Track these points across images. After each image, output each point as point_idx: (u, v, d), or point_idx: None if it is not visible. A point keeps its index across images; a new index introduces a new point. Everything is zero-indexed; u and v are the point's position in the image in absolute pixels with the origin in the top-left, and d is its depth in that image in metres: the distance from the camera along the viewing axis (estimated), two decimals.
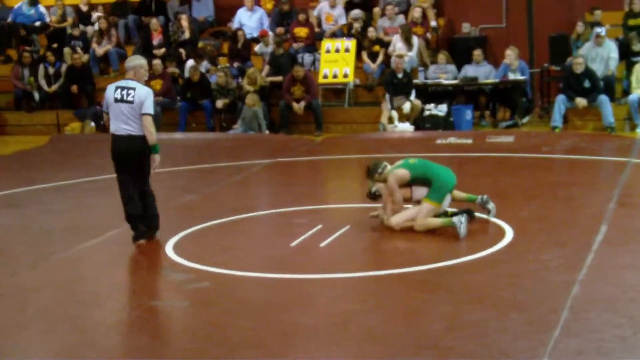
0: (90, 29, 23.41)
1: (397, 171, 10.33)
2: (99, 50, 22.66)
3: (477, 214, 10.40)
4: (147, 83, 20.09)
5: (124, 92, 10.13)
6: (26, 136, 20.87)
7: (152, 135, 10.11)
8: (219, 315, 7.67)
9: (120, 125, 10.13)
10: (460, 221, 9.77)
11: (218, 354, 6.74)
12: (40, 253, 10.08)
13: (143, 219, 10.39)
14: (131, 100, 10.07)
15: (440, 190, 10.12)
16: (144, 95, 10.10)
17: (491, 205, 10.47)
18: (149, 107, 10.11)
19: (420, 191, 10.28)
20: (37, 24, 24.08)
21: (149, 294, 8.40)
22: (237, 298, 8.18)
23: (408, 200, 10.36)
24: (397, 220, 10.19)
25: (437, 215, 10.17)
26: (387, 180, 10.30)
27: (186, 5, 23.64)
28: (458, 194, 10.55)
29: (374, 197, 10.61)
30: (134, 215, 10.35)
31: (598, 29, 18.66)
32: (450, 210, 10.37)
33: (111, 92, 10.22)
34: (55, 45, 23.15)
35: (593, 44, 18.58)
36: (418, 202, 10.27)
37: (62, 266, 9.63)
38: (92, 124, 20.85)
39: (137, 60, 10.41)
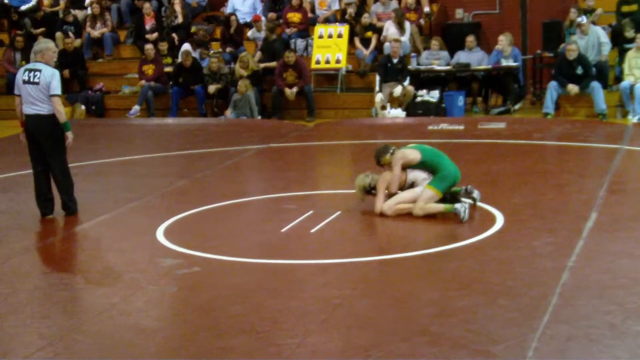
0: (81, 14, 23.34)
1: (407, 150, 10.32)
2: (95, 33, 22.60)
3: (469, 200, 10.43)
4: (140, 68, 20.39)
5: (31, 74, 10.75)
6: (17, 120, 20.74)
7: (61, 114, 10.74)
8: (209, 300, 7.67)
9: (29, 105, 10.78)
10: (464, 207, 9.78)
11: (208, 338, 6.74)
12: (31, 237, 10.09)
13: (48, 200, 11.03)
14: (37, 81, 10.68)
15: (444, 179, 10.11)
16: (49, 77, 10.67)
17: (476, 193, 10.45)
18: (56, 88, 10.68)
19: (414, 173, 10.25)
20: (23, 7, 23.94)
21: (139, 278, 8.39)
22: (227, 283, 8.18)
23: (402, 183, 10.31)
24: (389, 204, 10.18)
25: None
26: (394, 156, 10.29)
27: None
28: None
29: (370, 192, 10.56)
30: (38, 194, 11.02)
31: (579, 19, 18.68)
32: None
33: (20, 74, 10.88)
34: (41, 30, 23.04)
35: (578, 34, 18.57)
36: (411, 186, 10.25)
37: (53, 250, 9.65)
38: (83, 107, 20.81)
39: (44, 44, 11.02)
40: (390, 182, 10.23)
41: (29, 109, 10.81)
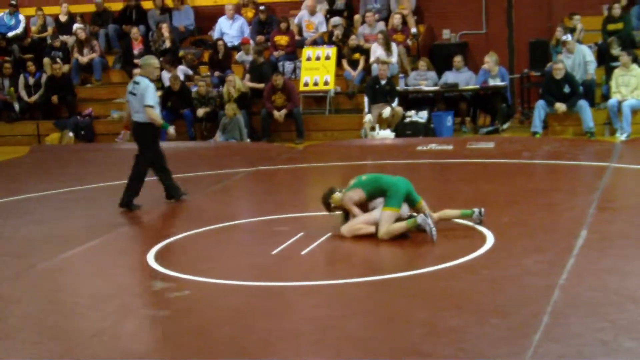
0: (70, 39, 23.36)
1: (350, 193, 10.40)
2: (83, 59, 22.63)
3: (460, 221, 10.49)
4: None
5: (132, 86, 12.52)
6: (6, 147, 20.80)
7: (156, 121, 12.38)
8: (201, 323, 7.65)
9: (132, 113, 12.58)
10: (426, 222, 9.77)
11: None
12: (22, 263, 10.03)
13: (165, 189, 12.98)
14: (135, 92, 12.37)
15: (396, 195, 10.10)
16: (144, 89, 12.25)
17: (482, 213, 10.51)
18: (148, 99, 12.25)
19: (376, 201, 10.33)
20: (10, 34, 23.94)
21: (130, 303, 8.37)
22: (219, 306, 8.17)
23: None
24: (347, 228, 10.26)
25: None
26: (343, 203, 10.39)
27: (167, 14, 23.63)
28: (449, 212, 10.53)
29: (329, 205, 10.66)
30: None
31: (564, 36, 18.78)
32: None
33: (129, 86, 12.70)
34: (30, 56, 23.08)
35: (564, 52, 18.66)
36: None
37: (44, 276, 9.61)
38: (71, 134, 20.81)
39: (146, 60, 12.85)
40: (354, 227, 10.28)
41: (132, 116, 12.60)
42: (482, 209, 10.50)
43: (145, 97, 12.24)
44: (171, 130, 12.69)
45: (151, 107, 12.24)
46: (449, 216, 10.52)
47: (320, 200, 10.71)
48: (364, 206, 10.40)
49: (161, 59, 21.68)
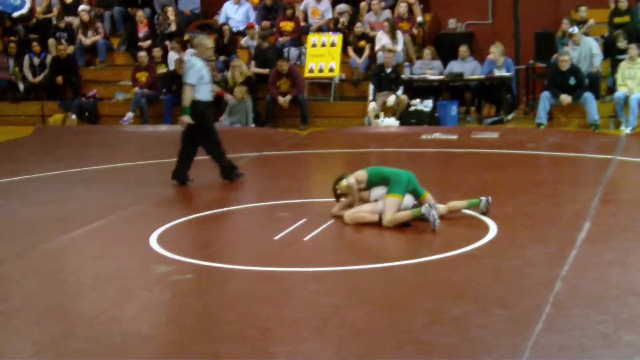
0: (75, 21, 23.33)
1: (355, 173, 10.48)
2: (87, 41, 22.59)
3: (465, 210, 10.48)
4: (133, 75, 20.35)
5: (184, 65, 12.87)
6: (10, 127, 20.79)
7: (185, 100, 12.67)
8: (202, 308, 7.66)
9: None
10: (430, 213, 9.77)
11: (200, 345, 6.72)
12: (24, 244, 10.03)
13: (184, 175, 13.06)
14: (184, 71, 12.72)
15: (398, 182, 10.15)
16: (188, 67, 12.61)
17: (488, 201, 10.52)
18: (188, 77, 12.56)
19: (377, 191, 10.35)
20: (16, 14, 23.89)
21: (132, 285, 8.37)
22: (220, 290, 8.18)
23: (366, 200, 10.45)
24: (350, 215, 10.29)
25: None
26: (347, 182, 10.41)
27: None
28: (456, 203, 10.52)
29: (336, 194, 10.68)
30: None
31: (570, 29, 18.74)
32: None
33: None
34: (35, 36, 23.03)
35: (570, 44, 18.63)
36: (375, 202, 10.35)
37: (46, 257, 9.61)
38: (73, 116, 20.77)
39: (198, 39, 13.35)
40: (358, 215, 10.30)
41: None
42: (489, 198, 10.49)
43: (185, 74, 12.62)
44: (185, 118, 12.68)
45: (190, 85, 12.53)
46: (456, 207, 10.50)
47: (332, 188, 10.74)
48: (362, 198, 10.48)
49: (167, 42, 21.74)
